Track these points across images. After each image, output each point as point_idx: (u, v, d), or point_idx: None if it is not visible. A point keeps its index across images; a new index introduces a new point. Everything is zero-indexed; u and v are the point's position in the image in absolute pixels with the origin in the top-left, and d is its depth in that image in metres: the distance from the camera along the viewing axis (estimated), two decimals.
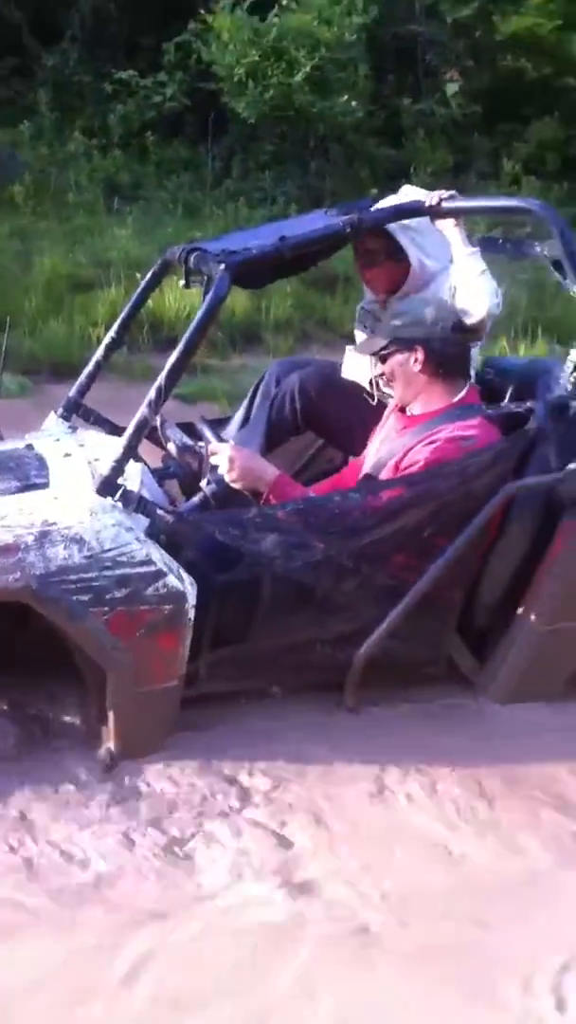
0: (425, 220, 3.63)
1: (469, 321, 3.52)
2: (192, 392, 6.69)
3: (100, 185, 10.58)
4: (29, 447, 3.51)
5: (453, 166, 11.37)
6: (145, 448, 3.48)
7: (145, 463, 3.47)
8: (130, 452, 3.10)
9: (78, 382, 3.80)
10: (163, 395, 3.10)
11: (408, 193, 3.77)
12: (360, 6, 10.76)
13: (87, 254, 8.93)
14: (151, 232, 9.47)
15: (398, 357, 3.41)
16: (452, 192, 3.50)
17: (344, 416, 3.89)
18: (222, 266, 3.15)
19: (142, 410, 3.09)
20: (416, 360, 3.37)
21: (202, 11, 10.56)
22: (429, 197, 3.50)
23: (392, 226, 3.66)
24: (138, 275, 8.16)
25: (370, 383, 3.82)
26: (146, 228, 9.61)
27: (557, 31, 12.32)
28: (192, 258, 3.27)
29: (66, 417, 3.75)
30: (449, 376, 3.41)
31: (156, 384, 3.10)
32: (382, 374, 3.51)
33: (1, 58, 11.31)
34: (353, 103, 10.71)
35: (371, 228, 3.54)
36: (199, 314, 3.15)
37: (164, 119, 11.09)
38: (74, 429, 3.72)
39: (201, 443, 3.48)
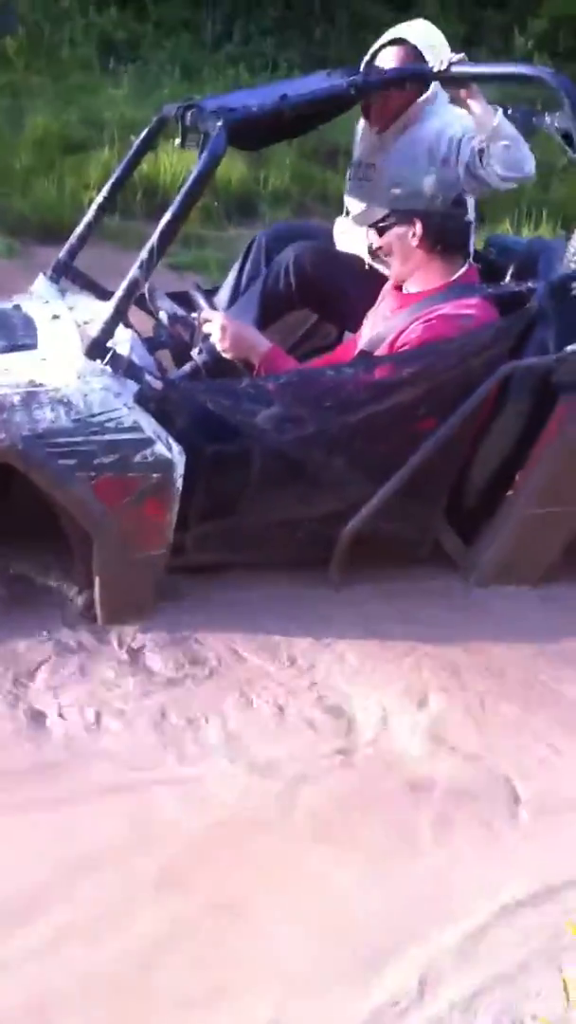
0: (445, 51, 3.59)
1: (511, 178, 3.54)
2: (186, 262, 6.59)
3: (95, 42, 10.27)
4: (16, 307, 3.46)
5: (464, 38, 11.04)
6: (136, 318, 3.45)
7: (137, 332, 3.43)
8: (120, 315, 3.05)
9: (68, 244, 3.73)
10: (155, 257, 3.04)
11: (418, 29, 3.73)
12: None
13: (80, 113, 8.70)
14: (148, 93, 9.21)
15: (396, 230, 3.34)
16: (461, 55, 3.39)
17: (341, 290, 3.83)
18: (219, 122, 3.06)
19: (133, 272, 3.03)
20: (414, 234, 3.31)
21: None
22: (437, 60, 3.40)
23: (424, 49, 3.61)
24: (133, 137, 7.95)
25: (369, 252, 3.76)
26: (143, 89, 9.35)
27: None
28: (189, 115, 3.20)
29: (55, 279, 3.68)
30: (448, 252, 3.36)
31: (148, 246, 3.04)
32: (380, 247, 3.44)
33: None
34: None
35: (376, 89, 3.47)
36: (194, 173, 3.07)
37: None
38: (63, 292, 3.64)
39: (193, 313, 3.43)
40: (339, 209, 4.13)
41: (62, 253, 3.73)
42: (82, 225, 3.73)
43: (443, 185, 3.34)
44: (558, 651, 3.35)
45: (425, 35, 3.69)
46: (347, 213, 4.04)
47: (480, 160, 3.56)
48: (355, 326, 3.69)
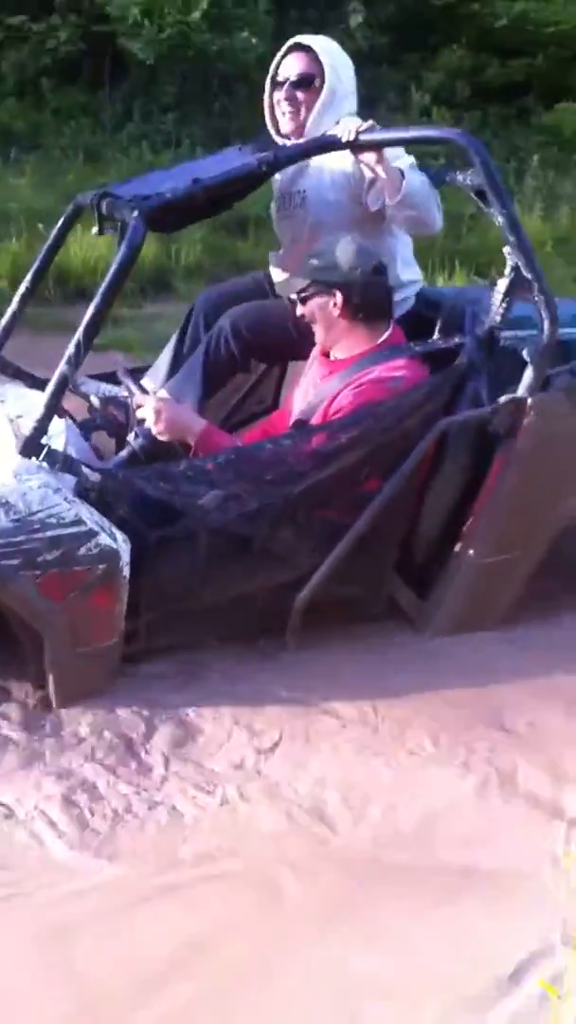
0: (348, 68, 3.72)
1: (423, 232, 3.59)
2: (105, 343, 6.60)
3: None
4: None
5: (363, 100, 11.24)
6: (70, 402, 3.45)
7: (71, 417, 3.43)
8: (52, 410, 3.04)
9: None
10: (83, 350, 3.04)
11: (321, 39, 3.79)
12: None
13: None
14: (51, 181, 9.30)
15: (316, 300, 3.37)
16: (370, 123, 3.44)
17: (284, 340, 3.81)
18: (136, 212, 3.09)
19: (61, 366, 3.03)
20: (335, 304, 3.34)
21: None
22: (345, 130, 3.43)
23: (324, 59, 3.68)
24: (40, 226, 8.04)
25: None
26: (46, 177, 9.43)
27: None
28: (104, 204, 3.22)
29: None
30: (371, 319, 3.39)
31: (75, 338, 3.03)
32: (302, 315, 3.47)
33: None
34: (254, 39, 10.56)
35: (286, 164, 3.51)
36: (115, 263, 3.08)
37: (59, 64, 10.85)
38: None
39: (124, 393, 3.43)
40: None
41: None
42: (7, 316, 3.73)
43: (360, 255, 3.36)
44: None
45: (326, 45, 3.76)
46: (279, 247, 4.07)
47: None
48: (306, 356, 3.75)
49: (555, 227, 9.72)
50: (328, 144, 3.49)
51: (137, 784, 2.89)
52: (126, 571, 3.03)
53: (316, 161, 3.73)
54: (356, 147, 3.40)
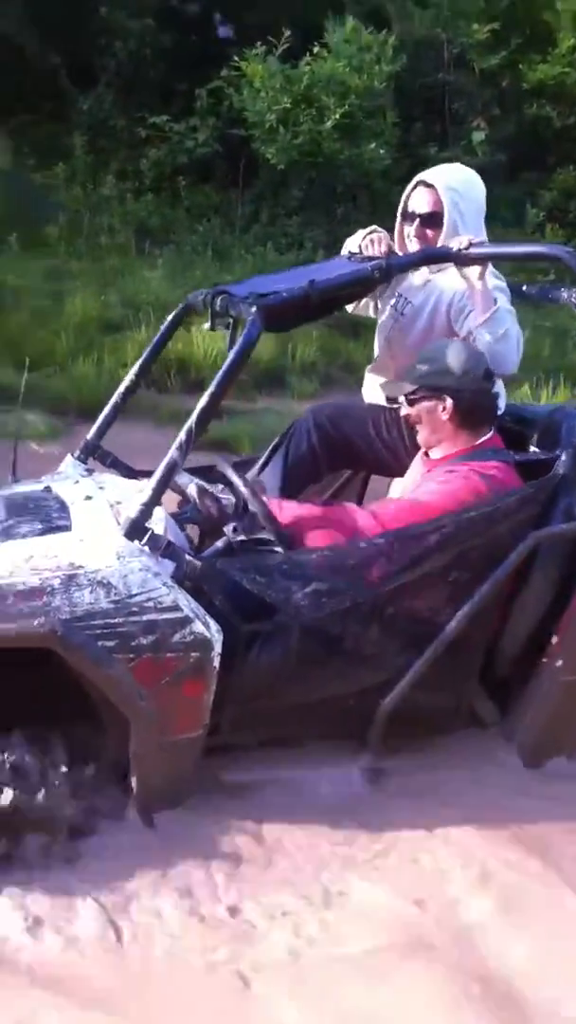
0: (474, 199, 3.67)
1: (496, 369, 3.48)
2: (218, 436, 6.61)
3: (132, 228, 10.57)
4: (47, 489, 3.42)
5: None
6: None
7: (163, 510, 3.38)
8: (159, 495, 3.01)
9: (96, 425, 3.69)
10: (193, 438, 3.01)
11: (442, 171, 3.78)
12: (390, 55, 10.73)
13: (118, 295, 8.90)
14: (181, 275, 9.44)
15: (425, 404, 3.34)
16: (482, 238, 3.42)
17: (366, 439, 3.84)
18: (254, 309, 3.07)
19: (171, 453, 3.00)
20: (444, 408, 3.30)
21: (235, 58, 10.55)
22: (457, 242, 3.42)
23: (445, 197, 3.64)
24: (197, 314, 8.13)
25: (387, 400, 3.77)
26: (176, 271, 9.59)
27: None
28: (219, 301, 3.21)
29: (83, 460, 3.66)
30: (476, 424, 3.36)
31: (186, 427, 3.01)
32: (408, 415, 3.41)
33: (39, 102, 11.34)
34: (381, 150, 10.66)
35: (398, 273, 3.50)
36: (230, 357, 3.07)
37: (195, 164, 11.06)
38: (90, 472, 3.62)
39: (221, 486, 3.37)
40: (362, 378, 4.12)
41: (90, 434, 3.69)
42: (109, 407, 3.70)
43: (471, 360, 3.31)
44: None
45: (450, 180, 3.72)
46: (376, 355, 4.06)
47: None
48: (386, 468, 3.75)
49: None
50: (439, 255, 3.47)
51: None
52: (217, 662, 2.95)
53: (434, 278, 3.74)
54: (464, 259, 3.37)
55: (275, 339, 8.04)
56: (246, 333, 3.06)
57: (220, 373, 3.06)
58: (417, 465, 3.54)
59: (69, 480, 3.51)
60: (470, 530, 3.12)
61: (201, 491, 3.40)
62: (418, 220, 3.70)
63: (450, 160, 11.16)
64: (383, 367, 3.94)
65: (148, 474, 3.48)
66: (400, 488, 3.58)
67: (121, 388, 3.70)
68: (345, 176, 10.77)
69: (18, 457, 3.66)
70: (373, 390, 3.94)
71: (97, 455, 3.67)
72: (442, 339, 3.51)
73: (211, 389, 3.05)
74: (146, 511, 2.97)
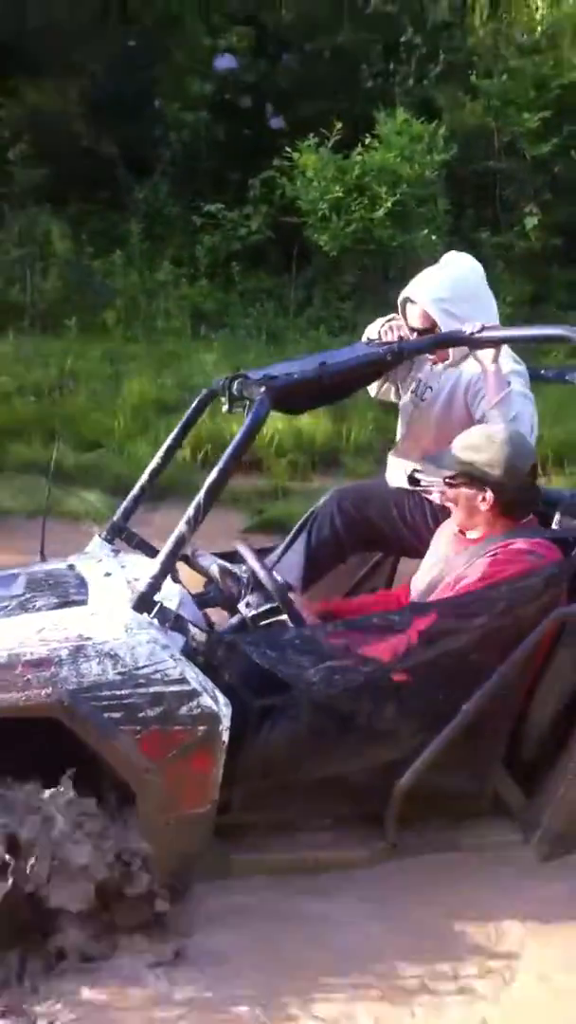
0: (467, 297, 3.63)
1: None
2: (274, 516, 6.64)
3: (187, 312, 10.73)
4: (71, 567, 3.45)
5: (532, 297, 11.34)
6: (187, 575, 3.43)
7: (187, 589, 3.37)
8: (168, 568, 3.01)
9: (123, 506, 3.73)
10: (201, 514, 3.02)
11: (425, 286, 3.74)
12: (440, 145, 10.85)
13: (174, 378, 9.00)
14: (235, 357, 9.50)
15: (465, 491, 3.25)
16: (493, 322, 3.44)
17: (388, 521, 3.82)
18: (263, 389, 3.10)
19: (180, 527, 3.01)
20: (483, 499, 3.22)
21: (287, 149, 10.75)
22: (470, 326, 3.41)
23: (432, 311, 3.62)
24: (222, 399, 8.23)
25: (409, 480, 3.74)
26: (231, 353, 9.67)
27: None
28: (235, 384, 3.24)
29: (109, 540, 3.67)
30: (516, 515, 3.29)
31: (195, 502, 3.02)
32: (443, 494, 3.38)
33: (96, 190, 11.61)
34: (433, 236, 10.75)
35: (411, 356, 3.50)
36: (238, 435, 3.10)
37: (248, 250, 11.22)
38: (117, 552, 3.63)
39: (245, 567, 3.36)
40: None
41: (117, 515, 3.72)
42: (136, 488, 3.73)
43: (518, 457, 3.24)
44: None
45: (428, 289, 3.69)
46: (398, 439, 4.04)
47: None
48: (412, 550, 3.71)
49: None
50: (450, 340, 3.47)
51: None
52: (226, 736, 2.91)
53: (447, 369, 3.76)
54: (476, 343, 3.36)
55: (331, 420, 8.10)
56: (253, 412, 3.09)
57: (228, 450, 3.08)
58: (445, 541, 3.45)
59: (93, 559, 3.53)
60: (492, 610, 3.04)
61: (223, 572, 3.39)
62: (416, 334, 3.69)
63: (504, 247, 11.41)
64: (405, 451, 3.92)
65: (182, 557, 3.51)
66: (428, 567, 3.50)
67: (148, 470, 3.72)
68: (397, 261, 10.87)
69: (75, 536, 3.71)
70: (396, 473, 3.91)
71: (123, 536, 3.69)
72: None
73: (219, 466, 3.07)
74: (155, 584, 2.97)
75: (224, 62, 11.74)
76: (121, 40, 11.98)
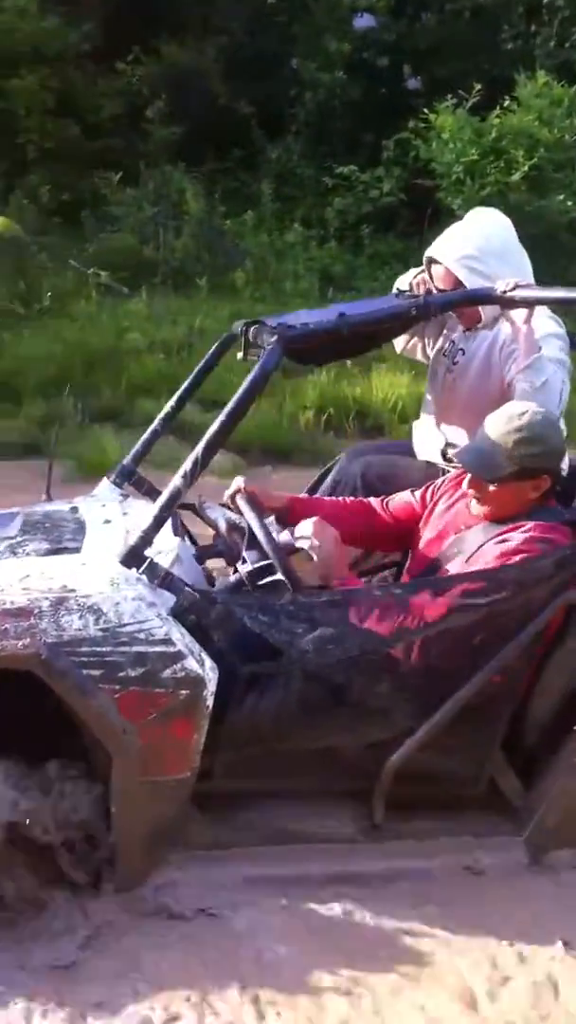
0: (496, 253, 3.33)
1: None
2: None
3: (316, 274, 10.56)
4: (73, 509, 3.31)
5: None
6: (197, 528, 3.28)
7: (193, 540, 3.19)
8: (159, 523, 2.82)
9: (133, 450, 3.56)
10: (199, 467, 2.80)
11: (452, 244, 3.47)
12: None
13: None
14: None
15: (517, 483, 2.94)
16: (527, 280, 3.12)
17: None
18: (274, 338, 2.87)
19: (175, 481, 2.81)
20: (536, 487, 2.95)
21: (424, 110, 10.42)
22: (503, 283, 3.08)
23: (457, 269, 3.34)
24: (348, 363, 8.07)
25: (442, 456, 3.47)
26: None
27: None
28: (251, 331, 3.02)
29: (118, 484, 3.52)
30: (549, 496, 3.02)
31: (192, 456, 2.81)
32: (473, 491, 3.03)
33: (230, 150, 11.50)
34: (569, 203, 10.32)
35: (438, 311, 3.19)
36: (244, 385, 2.85)
37: (379, 213, 11.00)
38: (125, 496, 3.48)
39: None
40: None
41: (127, 459, 3.56)
42: (148, 433, 3.57)
43: (559, 433, 3.00)
44: None
45: (452, 247, 3.41)
46: (425, 405, 3.79)
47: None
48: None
49: None
50: (480, 297, 3.18)
51: None
52: (210, 701, 2.72)
53: (479, 332, 3.49)
54: (508, 302, 3.06)
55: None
56: (262, 362, 2.85)
57: (231, 402, 2.84)
58: (458, 511, 3.16)
59: (97, 503, 3.38)
60: (500, 591, 2.78)
61: (230, 525, 3.21)
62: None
63: None
64: (436, 419, 3.66)
65: (188, 506, 3.34)
66: (435, 536, 3.17)
67: (162, 413, 3.56)
68: (529, 227, 10.42)
69: (149, 484, 3.55)
70: (426, 445, 3.66)
71: (133, 481, 3.53)
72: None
73: (220, 419, 2.83)
74: (145, 538, 2.79)
75: (363, 21, 11.48)
76: None
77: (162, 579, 2.78)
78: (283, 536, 2.98)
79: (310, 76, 11.24)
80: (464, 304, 3.32)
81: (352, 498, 3.48)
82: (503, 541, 2.90)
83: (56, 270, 10.02)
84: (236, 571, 2.99)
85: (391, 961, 2.69)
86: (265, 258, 10.68)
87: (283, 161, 11.31)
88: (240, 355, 3.05)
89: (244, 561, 2.94)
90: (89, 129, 11.66)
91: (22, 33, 11.56)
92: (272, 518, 3.10)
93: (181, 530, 3.31)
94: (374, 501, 3.34)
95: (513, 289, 3.02)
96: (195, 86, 11.26)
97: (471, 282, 3.30)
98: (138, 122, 11.41)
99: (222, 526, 3.21)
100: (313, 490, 3.79)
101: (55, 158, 11.44)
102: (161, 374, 8.04)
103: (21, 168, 11.44)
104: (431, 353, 3.74)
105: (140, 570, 2.77)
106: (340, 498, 3.51)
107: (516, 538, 2.89)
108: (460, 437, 3.52)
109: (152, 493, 3.49)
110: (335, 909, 2.82)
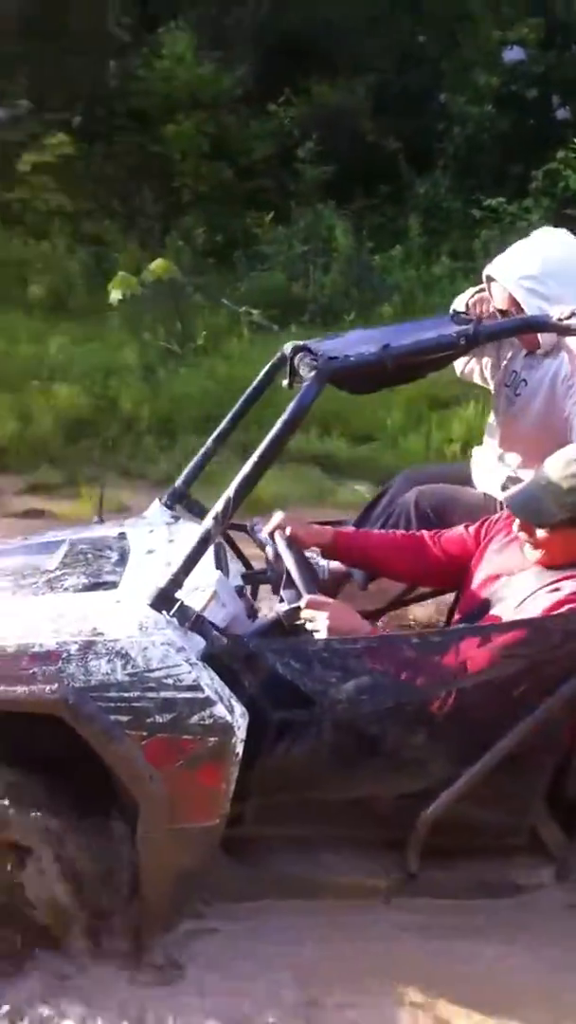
0: (558, 275, 3.15)
1: None
2: None
3: None
4: (121, 535, 3.28)
5: None
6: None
7: (247, 562, 3.19)
8: (190, 566, 2.73)
9: (185, 472, 3.51)
10: (231, 509, 2.72)
11: (512, 262, 3.33)
12: None
13: (448, 373, 8.70)
14: None
15: (569, 531, 2.74)
16: None
17: None
18: (312, 373, 2.76)
19: (207, 523, 2.73)
20: None
21: (574, 140, 10.16)
22: (558, 310, 2.88)
23: (515, 290, 3.17)
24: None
25: (503, 489, 3.30)
26: None
27: None
28: (297, 358, 2.91)
29: (169, 506, 3.46)
30: None
31: (225, 495, 2.73)
32: (525, 534, 2.82)
33: (377, 185, 11.45)
34: None
35: (487, 340, 3.01)
36: (281, 420, 2.73)
37: None
38: (176, 519, 3.42)
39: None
40: None
41: (179, 481, 3.51)
42: (199, 455, 3.51)
43: None
44: None
45: (513, 266, 3.24)
46: (488, 434, 3.62)
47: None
48: None
49: None
50: (535, 324, 2.98)
51: None
52: (239, 749, 2.63)
53: (543, 361, 3.33)
54: (564, 330, 2.85)
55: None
56: (299, 397, 2.74)
57: (268, 437, 2.73)
58: (510, 554, 2.96)
59: (146, 527, 3.35)
60: (544, 642, 2.61)
61: (276, 554, 3.10)
62: (499, 316, 3.26)
63: None
64: (499, 451, 3.48)
65: (240, 527, 3.27)
66: (485, 579, 2.99)
67: (214, 435, 3.49)
68: None
69: (200, 506, 3.46)
70: (486, 476, 3.47)
71: (184, 503, 3.47)
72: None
73: (254, 459, 2.72)
74: (175, 582, 2.71)
75: (513, 54, 11.27)
76: (410, 36, 11.73)
77: (193, 622, 2.70)
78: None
79: (459, 110, 11.12)
80: (516, 332, 3.15)
81: (402, 531, 3.34)
82: (555, 590, 2.71)
83: (210, 309, 10.14)
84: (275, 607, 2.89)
85: None
86: (413, 292, 10.55)
87: (430, 195, 11.19)
88: (285, 382, 2.94)
89: (282, 600, 2.83)
90: (242, 171, 11.83)
91: (179, 80, 11.84)
92: (317, 552, 2.99)
93: (225, 560, 3.20)
94: (426, 534, 3.18)
95: (570, 317, 2.82)
96: (345, 124, 11.29)
97: (529, 303, 3.14)
98: (289, 162, 11.51)
99: (270, 554, 3.11)
100: (368, 511, 3.63)
101: (209, 200, 11.64)
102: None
103: (177, 211, 11.67)
104: (488, 375, 3.57)
105: (171, 613, 2.69)
106: (389, 531, 3.36)
107: (568, 587, 2.71)
108: (524, 473, 3.34)
109: (203, 515, 3.42)
110: None
